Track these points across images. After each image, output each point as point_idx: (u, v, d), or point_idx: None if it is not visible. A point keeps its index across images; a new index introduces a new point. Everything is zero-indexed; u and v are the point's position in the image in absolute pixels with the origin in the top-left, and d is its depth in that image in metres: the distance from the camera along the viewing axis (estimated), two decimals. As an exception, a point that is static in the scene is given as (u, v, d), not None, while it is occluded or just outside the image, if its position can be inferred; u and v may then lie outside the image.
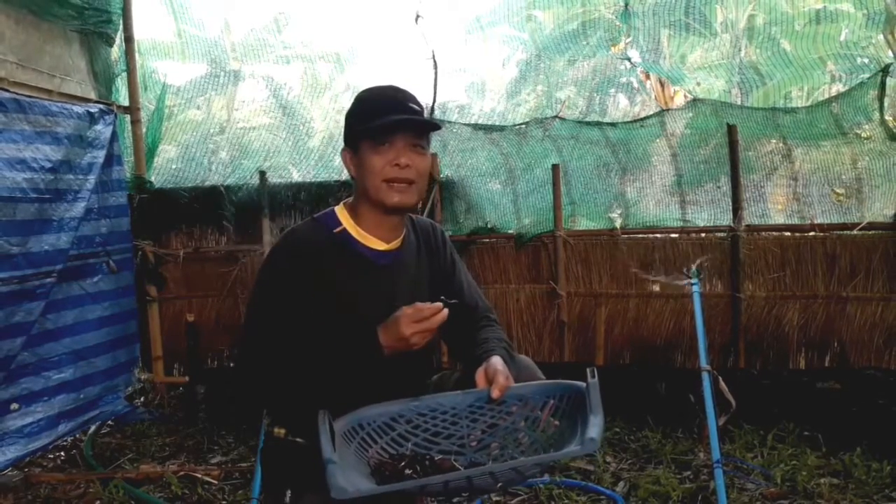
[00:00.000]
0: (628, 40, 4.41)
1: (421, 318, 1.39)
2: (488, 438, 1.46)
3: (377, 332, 1.44)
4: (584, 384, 1.39)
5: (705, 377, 2.60)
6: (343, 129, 1.62)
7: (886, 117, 3.57)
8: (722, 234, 3.75)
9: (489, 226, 4.15)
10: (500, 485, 1.25)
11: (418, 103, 1.59)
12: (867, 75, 3.61)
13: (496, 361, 1.49)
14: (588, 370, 1.39)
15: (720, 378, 2.78)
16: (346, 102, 5.10)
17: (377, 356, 1.43)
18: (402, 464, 1.36)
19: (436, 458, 1.41)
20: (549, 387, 1.48)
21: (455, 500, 2.68)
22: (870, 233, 3.53)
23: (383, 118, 1.50)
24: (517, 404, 1.46)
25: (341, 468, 1.22)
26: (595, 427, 1.27)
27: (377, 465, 1.37)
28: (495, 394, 1.42)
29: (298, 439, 1.56)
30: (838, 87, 4.33)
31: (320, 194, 4.17)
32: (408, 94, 1.59)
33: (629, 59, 4.50)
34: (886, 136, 3.52)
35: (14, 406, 3.26)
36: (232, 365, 4.11)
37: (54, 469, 3.23)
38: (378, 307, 1.53)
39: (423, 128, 1.56)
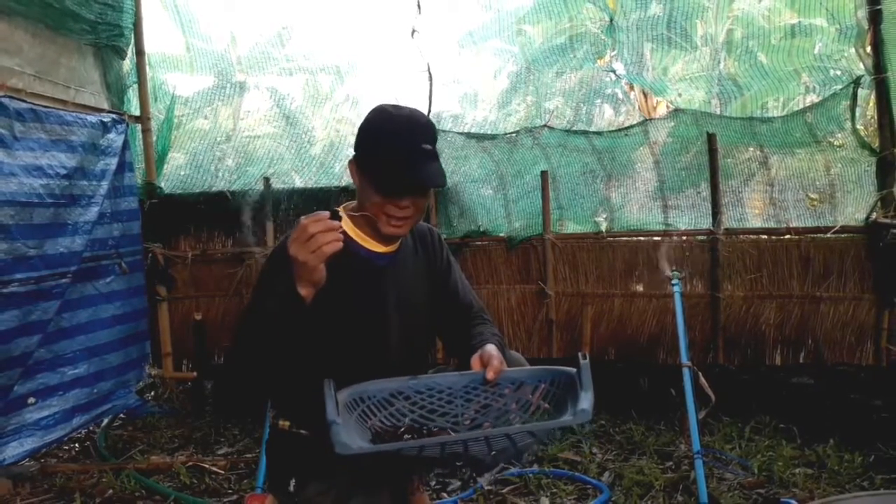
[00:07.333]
0: (613, 53, 4.47)
1: (306, 236, 1.30)
2: (481, 418, 1.48)
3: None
4: (573, 370, 1.41)
5: (686, 373, 2.69)
6: (354, 140, 1.58)
7: (858, 126, 3.66)
8: (702, 238, 3.81)
9: (481, 229, 4.20)
10: (493, 452, 1.29)
11: (433, 137, 1.53)
12: (840, 87, 3.68)
13: (491, 348, 1.52)
14: (580, 353, 1.42)
15: (700, 373, 2.86)
16: (346, 112, 5.24)
17: (292, 291, 1.35)
18: (402, 430, 1.40)
19: (433, 430, 1.44)
20: (540, 372, 1.52)
21: (450, 483, 2.81)
22: (842, 236, 3.61)
23: (396, 174, 1.45)
24: (510, 387, 1.49)
25: (344, 428, 1.24)
26: (586, 400, 1.30)
27: (377, 433, 1.40)
28: (490, 375, 1.45)
29: (302, 431, 1.58)
30: (812, 98, 4.34)
31: (321, 199, 4.20)
32: (426, 128, 1.52)
33: (614, 72, 4.54)
34: (858, 144, 3.61)
35: (31, 400, 3.33)
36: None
37: (69, 460, 3.31)
38: (376, 307, 1.60)
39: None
